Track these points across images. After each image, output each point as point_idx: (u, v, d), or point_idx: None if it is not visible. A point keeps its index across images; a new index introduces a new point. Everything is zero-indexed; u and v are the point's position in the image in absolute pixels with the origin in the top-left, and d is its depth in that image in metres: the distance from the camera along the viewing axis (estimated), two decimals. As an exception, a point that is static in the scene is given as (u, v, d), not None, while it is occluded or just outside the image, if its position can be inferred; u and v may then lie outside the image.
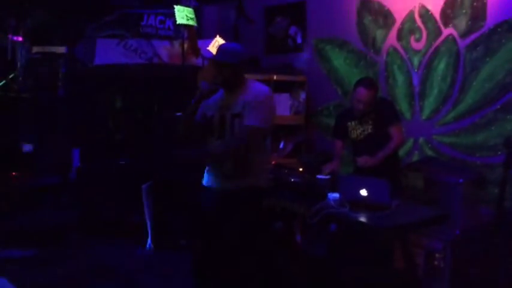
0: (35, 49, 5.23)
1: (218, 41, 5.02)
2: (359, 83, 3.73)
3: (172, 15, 5.06)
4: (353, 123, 3.81)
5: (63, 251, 4.44)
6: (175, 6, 4.95)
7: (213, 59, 2.90)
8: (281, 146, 5.29)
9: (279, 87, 5.22)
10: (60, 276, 3.88)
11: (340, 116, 4.03)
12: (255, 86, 2.83)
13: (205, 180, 2.94)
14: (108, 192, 4.88)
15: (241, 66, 2.80)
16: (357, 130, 3.80)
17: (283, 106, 5.23)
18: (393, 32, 4.63)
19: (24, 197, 4.69)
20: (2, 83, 4.90)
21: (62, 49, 5.23)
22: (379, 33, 4.76)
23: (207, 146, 2.89)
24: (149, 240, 4.61)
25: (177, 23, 5.01)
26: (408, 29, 4.51)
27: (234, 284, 2.78)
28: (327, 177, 3.50)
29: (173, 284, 3.83)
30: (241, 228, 2.72)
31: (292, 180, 3.52)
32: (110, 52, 5.21)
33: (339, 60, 5.15)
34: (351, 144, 3.94)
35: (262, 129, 2.73)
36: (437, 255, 3.51)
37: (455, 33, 4.19)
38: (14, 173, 4.77)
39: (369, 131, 3.75)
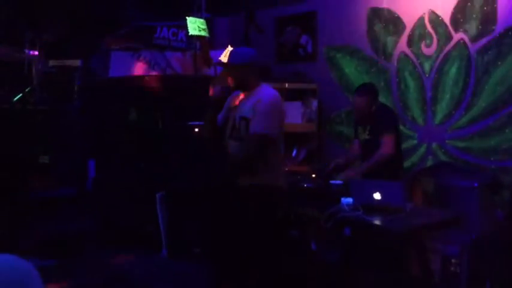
0: (51, 63, 5.32)
1: (230, 51, 5.07)
2: (356, 89, 3.81)
3: (185, 27, 5.12)
4: (359, 128, 3.89)
5: (81, 260, 4.48)
6: (187, 17, 5.02)
7: (225, 63, 2.96)
8: (294, 153, 5.29)
9: (290, 96, 5.25)
10: (77, 285, 3.92)
11: (354, 120, 4.12)
12: (264, 89, 2.86)
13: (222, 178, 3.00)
14: (124, 202, 4.93)
15: (252, 66, 2.82)
16: (362, 135, 3.86)
17: (295, 114, 5.25)
18: (404, 39, 4.65)
19: (41, 208, 4.75)
20: (18, 96, 4.99)
21: (77, 62, 5.31)
22: (389, 40, 4.77)
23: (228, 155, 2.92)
24: (164, 249, 4.64)
25: (190, 34, 5.07)
26: (418, 34, 4.53)
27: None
28: (340, 182, 3.50)
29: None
30: (255, 225, 2.73)
31: (305, 185, 3.54)
32: (124, 64, 5.28)
33: (350, 68, 5.17)
34: None
35: (269, 136, 2.75)
36: (453, 260, 3.48)
37: (466, 38, 4.20)
38: (31, 184, 4.83)
39: (366, 137, 3.79)
